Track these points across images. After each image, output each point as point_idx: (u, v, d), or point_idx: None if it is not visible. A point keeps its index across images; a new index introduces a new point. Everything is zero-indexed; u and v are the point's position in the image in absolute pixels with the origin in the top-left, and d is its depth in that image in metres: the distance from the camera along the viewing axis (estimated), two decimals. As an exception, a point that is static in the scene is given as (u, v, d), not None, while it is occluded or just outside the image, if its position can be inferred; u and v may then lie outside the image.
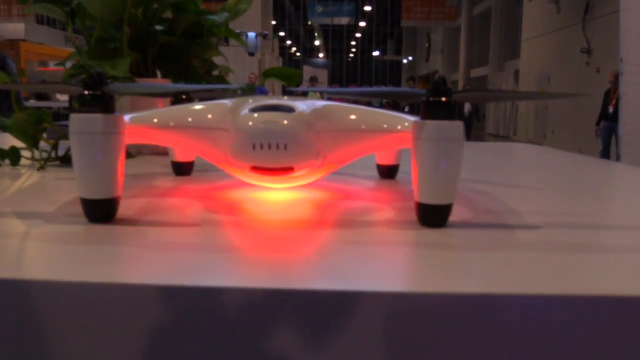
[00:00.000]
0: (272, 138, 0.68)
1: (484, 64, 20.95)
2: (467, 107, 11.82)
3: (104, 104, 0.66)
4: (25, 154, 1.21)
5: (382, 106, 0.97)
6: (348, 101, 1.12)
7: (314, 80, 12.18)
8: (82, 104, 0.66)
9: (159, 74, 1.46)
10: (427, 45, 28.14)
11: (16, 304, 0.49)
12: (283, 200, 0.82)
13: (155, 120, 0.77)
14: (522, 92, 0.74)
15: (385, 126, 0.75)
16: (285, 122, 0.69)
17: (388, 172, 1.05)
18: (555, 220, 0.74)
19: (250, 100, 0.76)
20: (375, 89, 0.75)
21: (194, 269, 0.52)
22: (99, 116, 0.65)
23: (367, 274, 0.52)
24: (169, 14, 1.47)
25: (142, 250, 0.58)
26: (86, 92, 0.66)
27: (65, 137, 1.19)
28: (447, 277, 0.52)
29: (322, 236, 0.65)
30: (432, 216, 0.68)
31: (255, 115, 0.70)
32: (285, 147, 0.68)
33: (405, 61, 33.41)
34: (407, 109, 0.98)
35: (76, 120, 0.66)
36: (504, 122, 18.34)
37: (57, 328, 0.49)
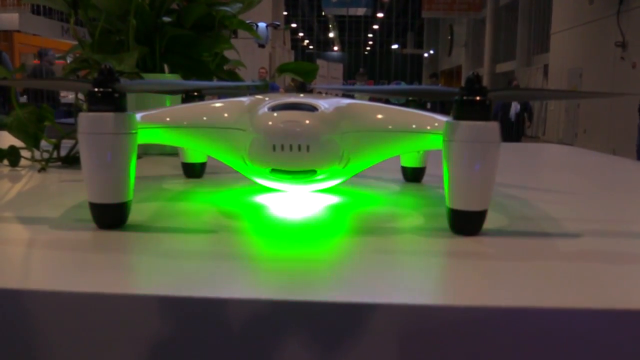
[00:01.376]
0: (293, 139, 0.68)
1: (511, 58, 20.87)
2: (515, 107, 11.10)
3: (115, 101, 0.66)
4: (25, 153, 1.21)
5: (406, 104, 0.97)
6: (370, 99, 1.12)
7: (362, 75, 11.85)
8: (92, 102, 0.66)
9: (166, 68, 1.46)
10: (449, 38, 28.06)
11: (22, 316, 0.49)
12: (302, 204, 0.82)
13: (168, 119, 0.77)
14: (561, 90, 0.74)
15: (414, 126, 0.75)
16: (307, 121, 0.69)
17: (413, 175, 1.05)
18: (595, 228, 0.74)
19: (267, 98, 0.76)
20: (403, 86, 0.75)
21: (209, 279, 0.52)
22: (110, 115, 0.65)
23: (394, 285, 0.52)
24: (177, 5, 1.47)
25: (156, 258, 0.58)
26: (96, 89, 0.66)
27: (68, 135, 1.20)
28: (482, 288, 0.51)
29: (345, 244, 0.65)
30: (465, 223, 0.68)
31: (275, 114, 0.70)
32: (307, 148, 0.68)
33: (425, 55, 33.35)
34: (428, 106, 0.97)
35: (86, 120, 0.65)
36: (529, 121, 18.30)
37: (65, 341, 0.49)
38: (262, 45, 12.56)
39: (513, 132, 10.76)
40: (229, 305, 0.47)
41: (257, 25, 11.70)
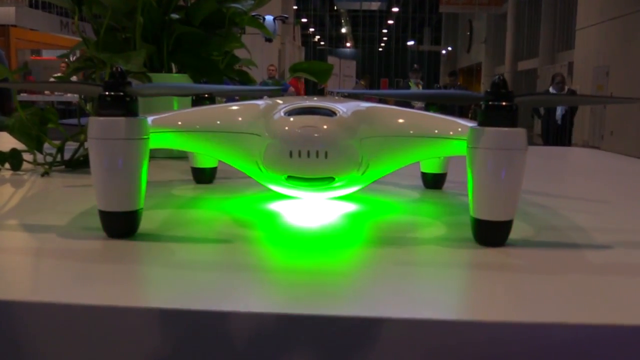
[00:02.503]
0: (311, 144, 0.69)
1: (533, 56, 20.80)
2: (560, 110, 10.24)
3: (126, 106, 0.67)
4: (27, 157, 1.22)
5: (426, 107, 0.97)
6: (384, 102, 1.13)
7: (416, 72, 11.39)
8: (103, 106, 0.67)
9: (174, 67, 1.47)
10: (468, 33, 27.98)
11: (30, 329, 0.49)
12: (319, 213, 0.83)
13: (180, 123, 0.77)
14: (594, 96, 0.74)
15: (436, 131, 0.76)
16: (325, 126, 0.69)
17: (434, 181, 1.05)
18: (626, 239, 0.74)
19: (280, 102, 0.77)
20: (424, 91, 0.76)
21: (222, 292, 0.53)
22: (121, 120, 0.66)
23: (414, 299, 0.52)
24: (185, 1, 1.48)
25: (168, 269, 0.59)
26: (107, 93, 0.67)
27: (72, 138, 1.20)
28: (507, 303, 0.52)
29: (362, 255, 0.65)
30: (490, 233, 0.68)
31: (291, 118, 0.70)
32: (326, 154, 0.69)
33: (443, 52, 33.28)
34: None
35: (96, 124, 0.66)
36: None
37: (75, 356, 0.49)
38: (269, 40, 12.50)
39: (561, 135, 10.33)
40: (242, 320, 0.48)
41: (263, 19, 11.68)
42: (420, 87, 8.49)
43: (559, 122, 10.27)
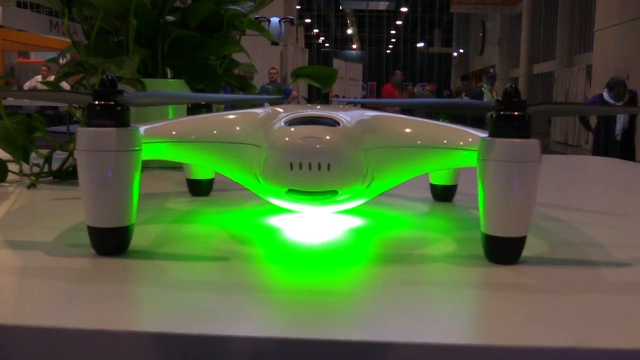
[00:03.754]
0: (313, 157, 0.68)
1: (550, 58, 20.77)
2: (622, 121, 8.32)
3: (117, 116, 0.67)
4: (13, 167, 1.21)
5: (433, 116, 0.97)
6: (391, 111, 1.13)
7: (492, 78, 10.55)
8: (93, 116, 0.66)
9: (169, 73, 1.47)
10: (481, 35, 27.95)
11: (13, 355, 0.49)
12: (321, 228, 0.82)
13: (174, 133, 0.77)
14: (615, 106, 0.74)
15: (446, 142, 0.75)
16: (328, 137, 0.69)
17: (444, 194, 1.05)
18: (647, 256, 0.74)
19: (281, 110, 0.76)
20: (433, 100, 0.76)
21: (219, 315, 0.52)
22: (112, 131, 0.66)
23: (422, 322, 0.52)
24: (182, 3, 1.48)
25: (161, 290, 0.58)
26: (97, 102, 0.66)
27: (61, 147, 1.20)
28: (520, 326, 0.52)
29: (367, 274, 0.65)
30: (502, 251, 0.68)
31: (293, 129, 0.70)
32: (328, 167, 0.68)
33: (455, 54, 33.26)
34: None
35: (85, 136, 0.66)
36: (573, 128, 18.15)
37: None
38: (275, 43, 12.48)
39: (623, 154, 8.02)
40: (240, 345, 0.48)
41: (269, 21, 11.67)
42: (496, 95, 7.88)
43: (619, 138, 8.43)
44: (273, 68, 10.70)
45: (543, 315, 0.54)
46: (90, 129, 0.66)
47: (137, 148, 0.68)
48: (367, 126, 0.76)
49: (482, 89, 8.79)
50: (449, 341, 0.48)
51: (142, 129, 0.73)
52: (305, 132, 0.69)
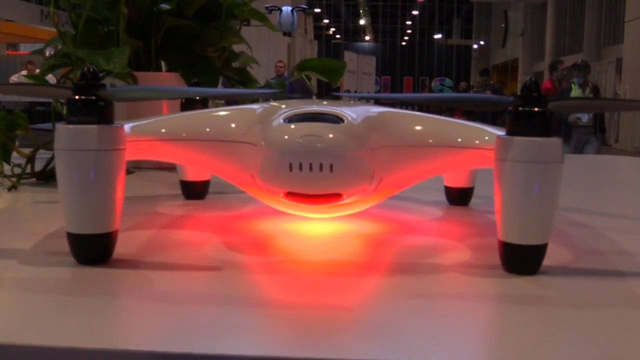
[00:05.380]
0: (314, 156, 0.67)
1: (577, 51, 20.76)
2: None
3: (99, 112, 0.66)
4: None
5: (448, 112, 0.96)
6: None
7: (582, 68, 10.10)
8: (72, 112, 0.65)
9: (163, 66, 1.46)
10: (503, 25, 28.01)
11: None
12: (324, 234, 0.82)
13: (163, 130, 0.77)
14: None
15: (460, 140, 0.74)
16: (331, 135, 0.68)
17: (459, 197, 1.04)
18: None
19: (284, 106, 0.76)
20: (446, 94, 0.75)
21: (211, 331, 0.51)
22: (93, 128, 0.65)
23: (434, 339, 0.51)
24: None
25: (146, 303, 0.58)
26: (77, 97, 0.65)
27: (44, 146, 1.20)
28: (541, 343, 0.51)
29: (374, 285, 0.64)
30: (521, 260, 0.67)
31: (292, 126, 0.69)
32: (331, 168, 0.67)
33: (475, 46, 33.30)
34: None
35: (64, 133, 0.65)
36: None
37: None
38: (287, 34, 12.44)
39: None
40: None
41: (280, 10, 11.67)
42: (589, 89, 7.53)
43: None
44: (279, 61, 10.68)
45: (566, 332, 0.53)
46: (70, 125, 0.65)
47: (121, 147, 0.67)
48: (374, 123, 0.75)
49: (572, 84, 8.39)
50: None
51: (128, 126, 0.72)
52: (306, 130, 0.68)
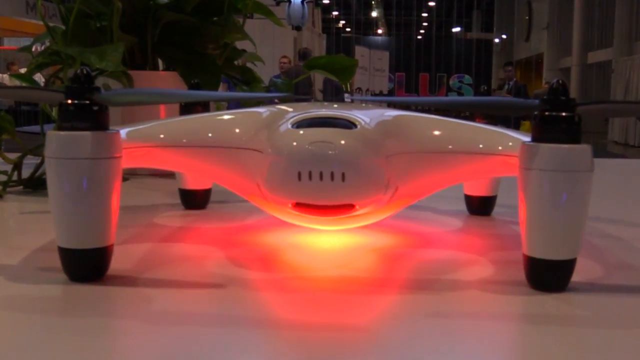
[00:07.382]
0: (325, 164, 0.67)
1: (606, 45, 20.69)
2: None
3: (93, 117, 0.66)
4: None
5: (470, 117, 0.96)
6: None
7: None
8: (64, 118, 0.65)
9: (161, 64, 1.46)
10: (527, 18, 27.92)
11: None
12: (335, 248, 0.82)
13: (162, 136, 0.77)
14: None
15: (481, 146, 0.74)
16: (343, 141, 0.68)
17: (481, 206, 1.04)
18: None
19: (291, 109, 0.76)
20: (466, 98, 0.75)
21: (214, 354, 0.52)
22: (87, 135, 0.65)
23: (457, 363, 0.51)
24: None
25: (144, 324, 0.58)
26: (69, 101, 0.65)
27: (33, 151, 1.20)
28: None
29: (388, 304, 0.65)
30: (548, 276, 0.67)
31: (301, 132, 0.69)
32: (343, 177, 0.67)
33: (496, 40, 33.23)
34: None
35: (56, 141, 0.65)
36: (634, 126, 18.11)
37: None
38: (297, 28, 12.35)
39: None
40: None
41: (290, 2, 11.63)
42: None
43: None
44: (284, 56, 10.62)
45: (596, 354, 0.53)
46: (62, 132, 0.65)
47: (117, 155, 0.67)
48: (389, 128, 0.75)
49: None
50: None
51: (124, 132, 0.72)
52: (316, 136, 0.68)
